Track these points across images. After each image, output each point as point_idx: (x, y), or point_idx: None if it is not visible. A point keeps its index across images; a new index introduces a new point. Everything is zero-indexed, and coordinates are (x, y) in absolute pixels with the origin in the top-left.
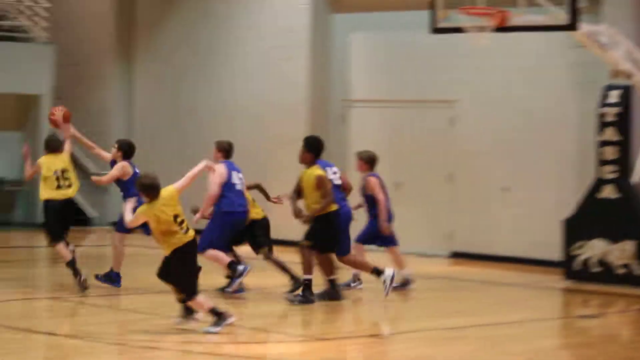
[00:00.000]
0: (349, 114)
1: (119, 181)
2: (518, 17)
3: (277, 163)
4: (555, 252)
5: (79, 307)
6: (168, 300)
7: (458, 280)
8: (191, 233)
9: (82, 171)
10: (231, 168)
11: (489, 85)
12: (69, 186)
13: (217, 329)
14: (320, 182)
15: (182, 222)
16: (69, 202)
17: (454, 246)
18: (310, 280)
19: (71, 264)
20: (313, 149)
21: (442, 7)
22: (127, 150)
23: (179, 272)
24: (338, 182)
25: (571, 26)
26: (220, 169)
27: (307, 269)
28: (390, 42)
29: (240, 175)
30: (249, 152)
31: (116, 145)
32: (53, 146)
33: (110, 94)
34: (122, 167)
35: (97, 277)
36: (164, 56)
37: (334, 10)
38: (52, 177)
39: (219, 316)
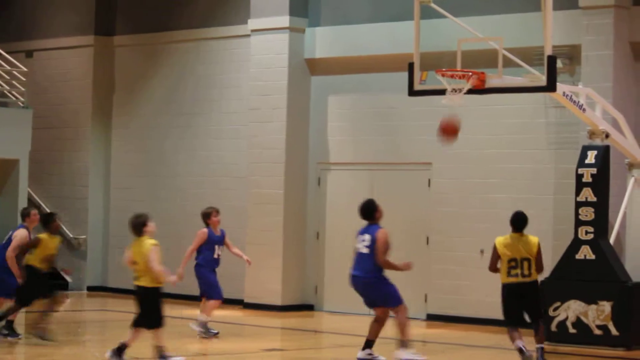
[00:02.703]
0: (324, 176)
1: None
2: (496, 78)
3: (257, 223)
4: None
5: None
6: None
7: (434, 342)
8: None
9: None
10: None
11: (466, 146)
12: None
13: None
14: None
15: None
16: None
17: (429, 309)
18: None
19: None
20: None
21: (420, 70)
22: None
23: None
24: (364, 250)
25: (549, 87)
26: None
27: None
28: (367, 104)
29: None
30: (232, 212)
31: None
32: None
33: (88, 157)
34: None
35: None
36: (143, 118)
37: (311, 72)
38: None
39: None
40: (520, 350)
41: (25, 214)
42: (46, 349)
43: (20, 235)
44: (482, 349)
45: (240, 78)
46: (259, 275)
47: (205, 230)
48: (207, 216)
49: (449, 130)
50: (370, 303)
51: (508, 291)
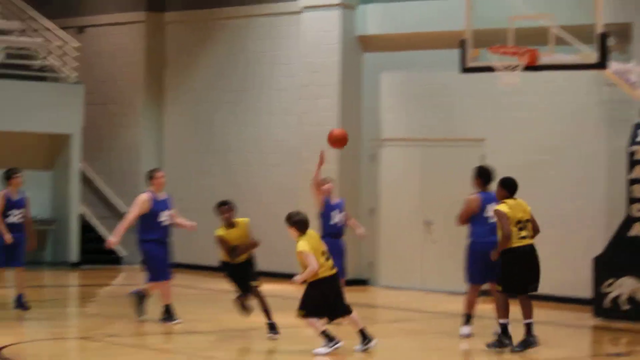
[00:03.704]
0: (378, 152)
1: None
2: (547, 56)
3: (309, 200)
4: (585, 290)
5: (110, 347)
6: (199, 340)
7: (489, 318)
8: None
9: (112, 209)
10: None
11: (519, 123)
12: None
13: (326, 350)
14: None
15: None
16: None
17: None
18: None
19: None
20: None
21: (472, 47)
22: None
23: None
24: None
25: (600, 65)
26: None
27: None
28: (419, 81)
29: None
30: (283, 188)
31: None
32: None
33: (140, 132)
34: None
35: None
36: (194, 94)
37: (364, 49)
38: None
39: (328, 339)
40: (505, 331)
41: (151, 176)
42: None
43: (141, 199)
44: (536, 325)
45: (291, 55)
46: None
47: None
48: None
49: (337, 142)
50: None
51: (521, 254)
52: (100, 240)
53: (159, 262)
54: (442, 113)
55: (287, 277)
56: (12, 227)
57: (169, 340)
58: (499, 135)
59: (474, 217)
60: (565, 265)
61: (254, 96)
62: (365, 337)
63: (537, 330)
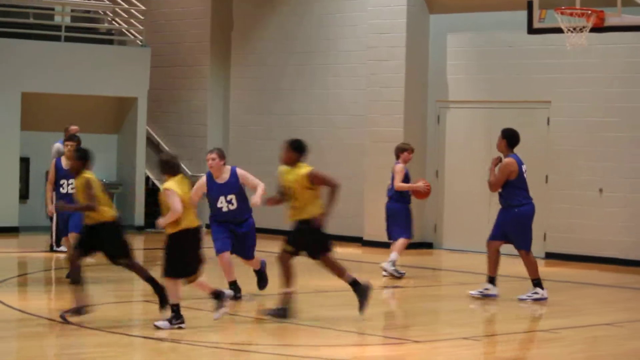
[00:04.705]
0: (444, 114)
1: None
2: (614, 17)
3: (375, 161)
4: None
5: None
6: (265, 302)
7: (552, 281)
8: None
9: None
10: None
11: (585, 84)
12: None
13: (167, 326)
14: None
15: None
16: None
17: (548, 247)
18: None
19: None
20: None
21: (540, 8)
22: None
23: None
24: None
25: None
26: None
27: None
28: (486, 43)
29: None
30: (348, 150)
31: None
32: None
33: (206, 96)
34: None
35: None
36: (260, 56)
37: (430, 11)
38: None
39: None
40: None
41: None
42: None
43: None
44: (601, 287)
45: (357, 17)
46: (378, 213)
47: None
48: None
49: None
50: None
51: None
52: None
53: None
54: (508, 75)
55: (353, 240)
56: (64, 197)
57: (233, 303)
58: (565, 97)
59: (512, 181)
60: (631, 228)
61: (320, 58)
62: (217, 295)
63: (603, 293)
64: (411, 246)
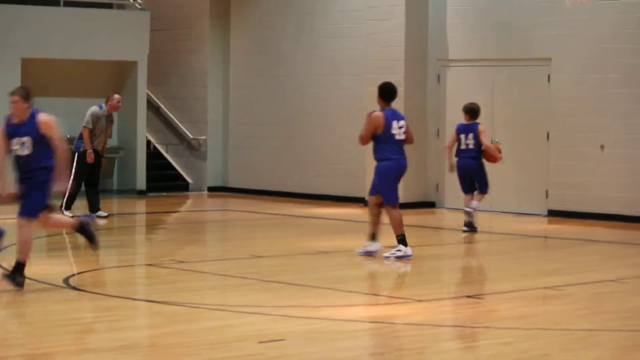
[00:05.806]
0: (444, 73)
1: None
2: None
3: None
4: None
5: (178, 274)
6: (268, 264)
7: (556, 238)
8: None
9: (178, 136)
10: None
11: (586, 41)
12: None
13: None
14: None
15: None
16: None
17: (550, 204)
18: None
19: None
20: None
21: None
22: None
23: None
24: (401, 137)
25: None
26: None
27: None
28: (486, 0)
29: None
30: (348, 110)
31: None
32: None
33: (206, 58)
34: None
35: None
36: (260, 18)
37: None
38: None
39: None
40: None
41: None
42: (168, 248)
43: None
44: (604, 244)
45: None
46: None
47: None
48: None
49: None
50: None
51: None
52: (166, 167)
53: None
54: (509, 32)
55: (352, 200)
56: None
57: (237, 265)
58: (565, 54)
59: (378, 136)
60: (633, 185)
61: (320, 19)
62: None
63: (605, 250)
64: (413, 205)
